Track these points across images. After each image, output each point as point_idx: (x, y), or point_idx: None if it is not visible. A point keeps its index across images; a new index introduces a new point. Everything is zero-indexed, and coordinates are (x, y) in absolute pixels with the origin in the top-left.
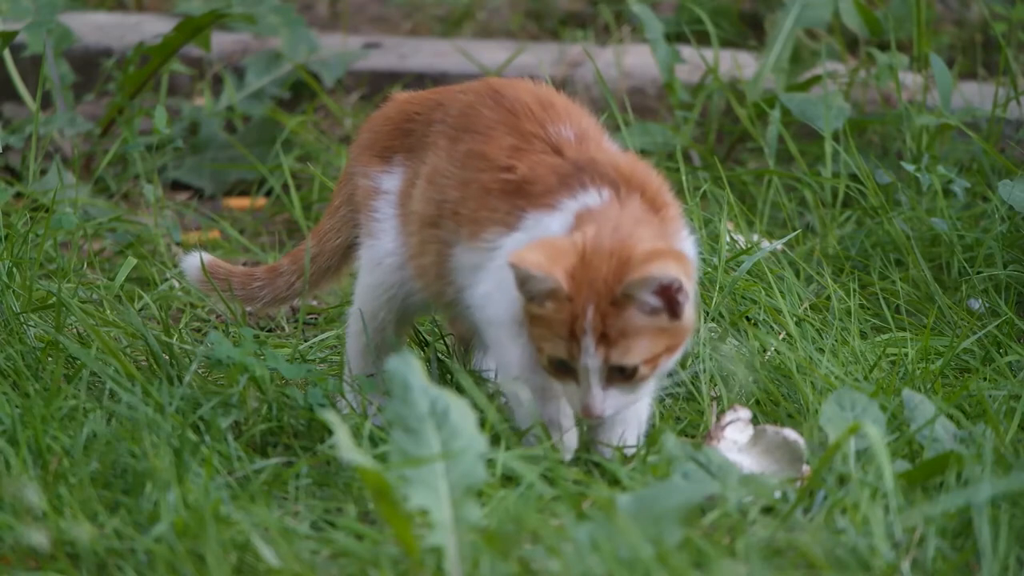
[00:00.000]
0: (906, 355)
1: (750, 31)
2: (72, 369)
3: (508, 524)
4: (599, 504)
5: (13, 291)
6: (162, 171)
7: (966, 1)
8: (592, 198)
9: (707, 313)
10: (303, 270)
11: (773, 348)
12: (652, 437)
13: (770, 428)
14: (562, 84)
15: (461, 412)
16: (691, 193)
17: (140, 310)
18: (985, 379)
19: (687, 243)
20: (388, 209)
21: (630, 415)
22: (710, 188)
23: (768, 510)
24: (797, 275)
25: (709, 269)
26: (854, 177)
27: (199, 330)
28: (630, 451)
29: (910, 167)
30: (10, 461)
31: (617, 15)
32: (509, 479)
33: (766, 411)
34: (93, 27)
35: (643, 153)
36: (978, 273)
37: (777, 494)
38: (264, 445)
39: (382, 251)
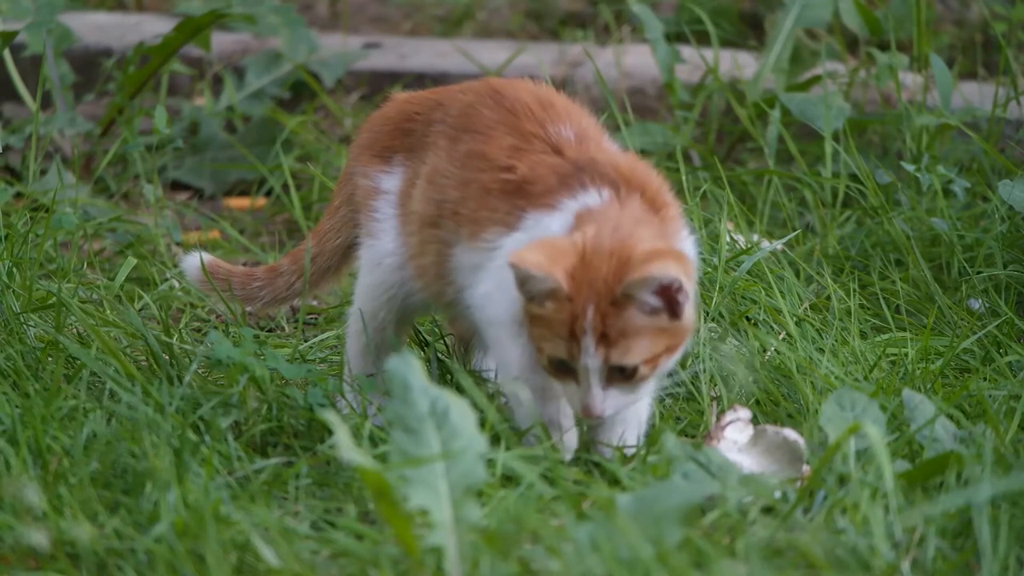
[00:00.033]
0: (906, 355)
1: (750, 31)
2: (72, 369)
3: (508, 524)
4: (599, 504)
5: (13, 291)
6: (162, 171)
7: (966, 1)
8: (592, 198)
9: (707, 313)
10: (303, 270)
11: (773, 348)
12: (652, 437)
13: (770, 428)
14: (562, 84)
15: (461, 412)
16: (691, 193)
17: (140, 310)
18: (985, 379)
19: (687, 243)
20: (388, 209)
21: (630, 415)
22: (710, 188)
23: (768, 510)
24: (797, 275)
25: (709, 269)
26: (854, 177)
27: (199, 330)
28: (630, 451)
29: (910, 167)
30: (10, 461)
31: (617, 15)
32: (509, 479)
33: (766, 411)
34: (93, 27)
35: (643, 153)
36: (978, 273)
37: (777, 494)
38: (264, 445)
39: (382, 251)
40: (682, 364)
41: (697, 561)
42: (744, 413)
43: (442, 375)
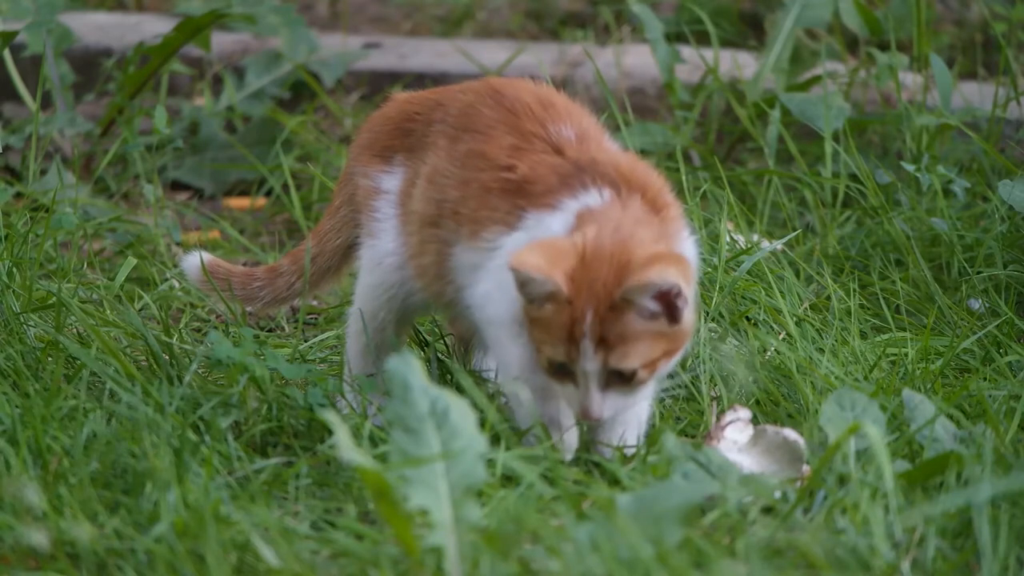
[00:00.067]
0: (906, 355)
1: (750, 31)
2: (72, 369)
3: (508, 524)
4: (599, 504)
5: (13, 291)
6: (162, 171)
7: (966, 1)
8: (593, 198)
9: (707, 313)
10: (303, 270)
11: (773, 348)
12: (652, 437)
13: (770, 428)
14: (562, 84)
15: (461, 412)
16: (691, 193)
17: (140, 310)
18: (985, 379)
19: (688, 244)
20: (388, 209)
21: (630, 415)
22: (710, 188)
23: (768, 510)
24: (797, 275)
25: (709, 269)
26: (854, 177)
27: (199, 330)
28: (630, 451)
29: (910, 167)
30: (10, 461)
31: (617, 15)
32: (509, 479)
33: (766, 411)
34: (93, 27)
35: (643, 153)
36: (978, 273)
37: (777, 494)
38: (264, 445)
39: (382, 251)
40: (682, 365)
41: (697, 561)
42: (744, 413)
43: (442, 375)
